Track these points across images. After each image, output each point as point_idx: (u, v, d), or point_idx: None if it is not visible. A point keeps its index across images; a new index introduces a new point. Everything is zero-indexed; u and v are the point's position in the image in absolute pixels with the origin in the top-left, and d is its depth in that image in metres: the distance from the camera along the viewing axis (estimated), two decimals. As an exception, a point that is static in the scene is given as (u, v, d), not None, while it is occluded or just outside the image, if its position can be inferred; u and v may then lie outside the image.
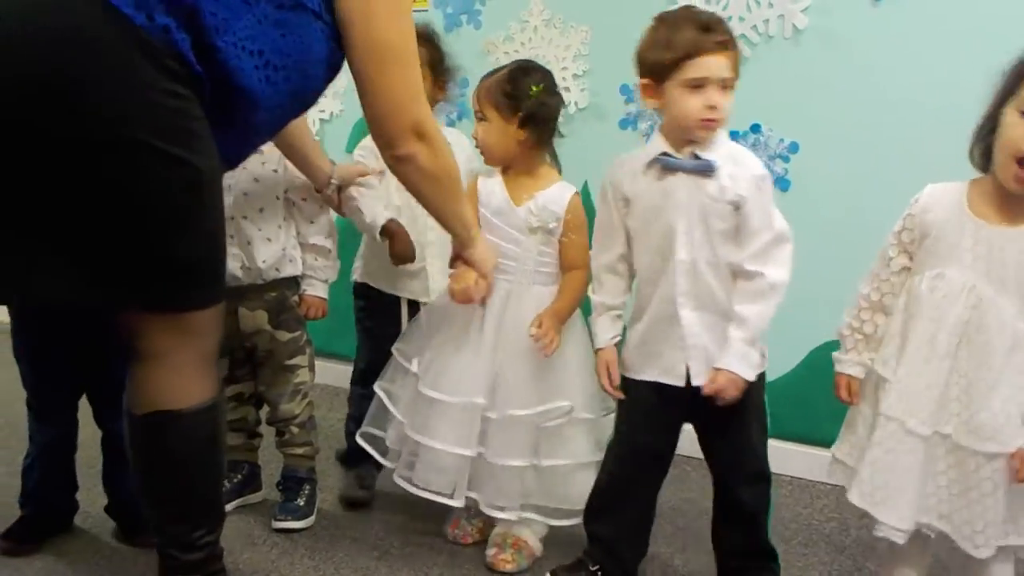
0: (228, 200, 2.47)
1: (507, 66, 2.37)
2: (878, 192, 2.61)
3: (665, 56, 1.95)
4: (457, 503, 2.33)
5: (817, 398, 2.83)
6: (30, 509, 2.37)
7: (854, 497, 1.88)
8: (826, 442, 2.81)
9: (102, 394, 2.34)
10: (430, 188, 2.08)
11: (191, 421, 1.87)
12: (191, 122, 1.70)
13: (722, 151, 2.02)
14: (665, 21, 1.99)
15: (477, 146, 2.39)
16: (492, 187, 2.35)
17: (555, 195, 2.32)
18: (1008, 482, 1.77)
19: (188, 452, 1.89)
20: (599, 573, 2.20)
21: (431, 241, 2.57)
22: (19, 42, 1.59)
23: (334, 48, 1.88)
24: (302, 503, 2.58)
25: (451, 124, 3.54)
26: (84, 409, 2.37)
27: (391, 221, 2.50)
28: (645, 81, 2.01)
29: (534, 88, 2.29)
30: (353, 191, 2.49)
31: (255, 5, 1.73)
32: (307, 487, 2.61)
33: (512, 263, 2.32)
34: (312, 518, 2.57)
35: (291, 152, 2.43)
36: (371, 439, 2.49)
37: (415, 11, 3.27)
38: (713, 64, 1.93)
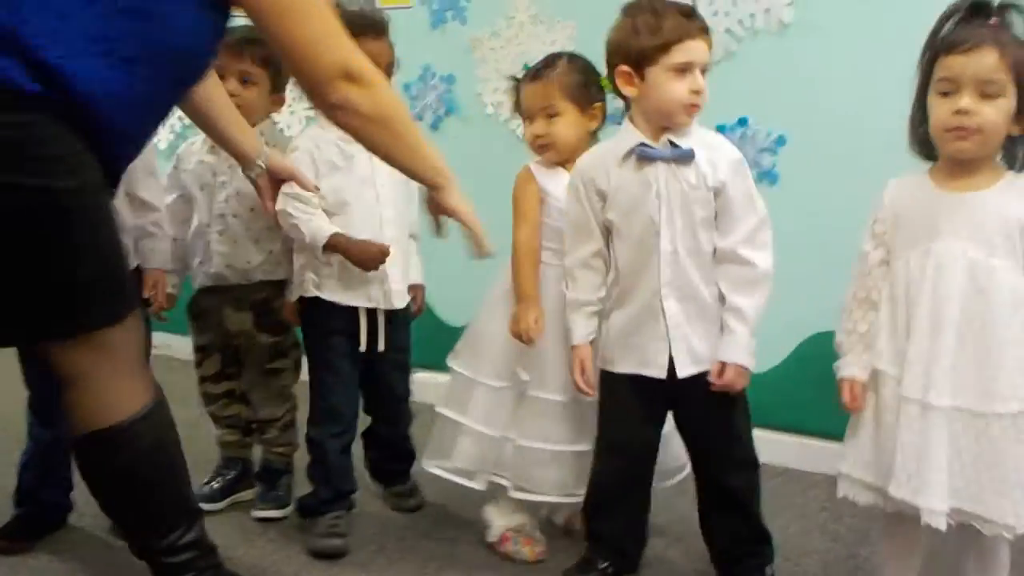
0: (220, 196, 2.48)
1: (557, 58, 2.32)
2: (866, 184, 2.61)
3: (652, 42, 1.97)
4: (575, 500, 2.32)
5: (806, 389, 2.85)
6: (25, 508, 2.37)
7: (894, 489, 1.80)
8: (816, 432, 2.86)
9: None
10: (378, 133, 1.91)
11: (130, 433, 1.82)
12: (39, 147, 1.63)
13: (696, 138, 2.04)
14: (643, 9, 2.01)
15: (542, 144, 2.28)
16: (560, 181, 2.27)
17: None
18: None
19: (135, 463, 1.85)
20: (609, 569, 2.19)
21: (390, 238, 2.38)
22: None
23: (212, 16, 1.79)
24: (281, 493, 2.60)
25: (438, 121, 3.56)
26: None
27: (334, 236, 2.31)
28: (625, 68, 2.01)
29: (604, 81, 2.27)
30: (289, 207, 2.31)
31: (96, 1, 1.64)
32: (285, 478, 2.63)
33: None
34: (290, 507, 2.58)
35: (206, 124, 2.26)
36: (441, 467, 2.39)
37: (398, 8, 3.28)
38: (698, 48, 1.98)
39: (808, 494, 2.77)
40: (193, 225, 2.55)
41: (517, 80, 2.38)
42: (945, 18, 1.82)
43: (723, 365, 2.02)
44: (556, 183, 2.29)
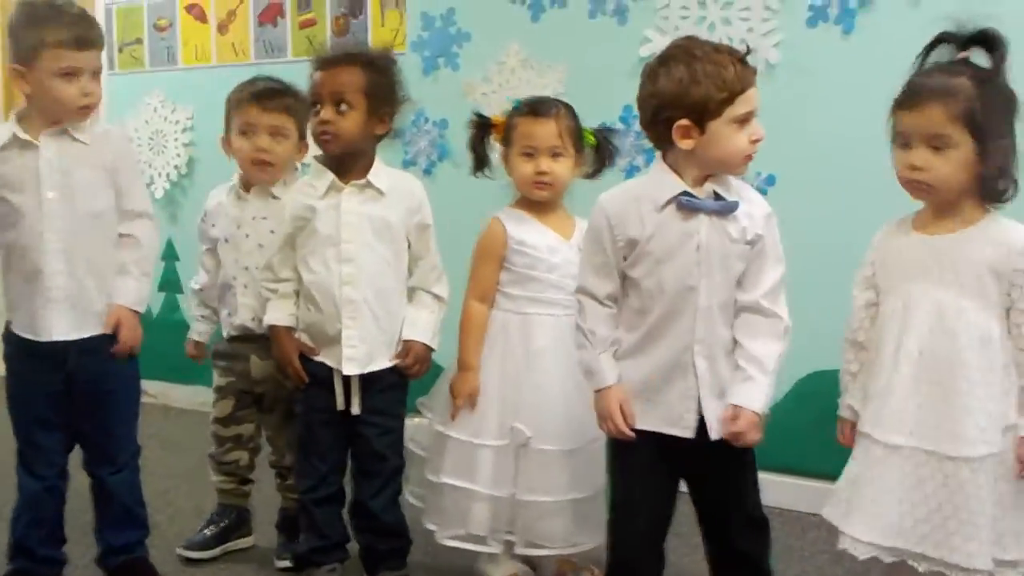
0: (244, 248, 2.53)
1: (554, 101, 2.36)
2: (858, 222, 2.62)
3: (716, 94, 1.84)
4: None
5: (804, 429, 2.84)
6: (18, 563, 2.33)
7: (825, 511, 1.86)
8: (814, 473, 2.84)
9: (94, 441, 2.33)
10: None
11: None
12: None
13: (733, 189, 1.94)
14: (698, 58, 1.85)
15: (547, 183, 2.28)
16: (533, 229, 2.31)
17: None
18: (1011, 480, 1.77)
19: None
20: None
21: (349, 299, 2.30)
22: None
23: None
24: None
25: (431, 167, 3.57)
26: (74, 460, 2.36)
27: (272, 327, 2.39)
28: (684, 122, 1.86)
29: (587, 134, 2.32)
30: (262, 281, 2.42)
31: None
32: None
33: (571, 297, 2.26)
34: None
35: None
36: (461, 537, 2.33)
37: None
38: (756, 95, 1.89)
39: (807, 536, 2.75)
40: (220, 277, 2.59)
41: (514, 111, 2.35)
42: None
43: (736, 409, 1.90)
44: (527, 230, 2.30)
